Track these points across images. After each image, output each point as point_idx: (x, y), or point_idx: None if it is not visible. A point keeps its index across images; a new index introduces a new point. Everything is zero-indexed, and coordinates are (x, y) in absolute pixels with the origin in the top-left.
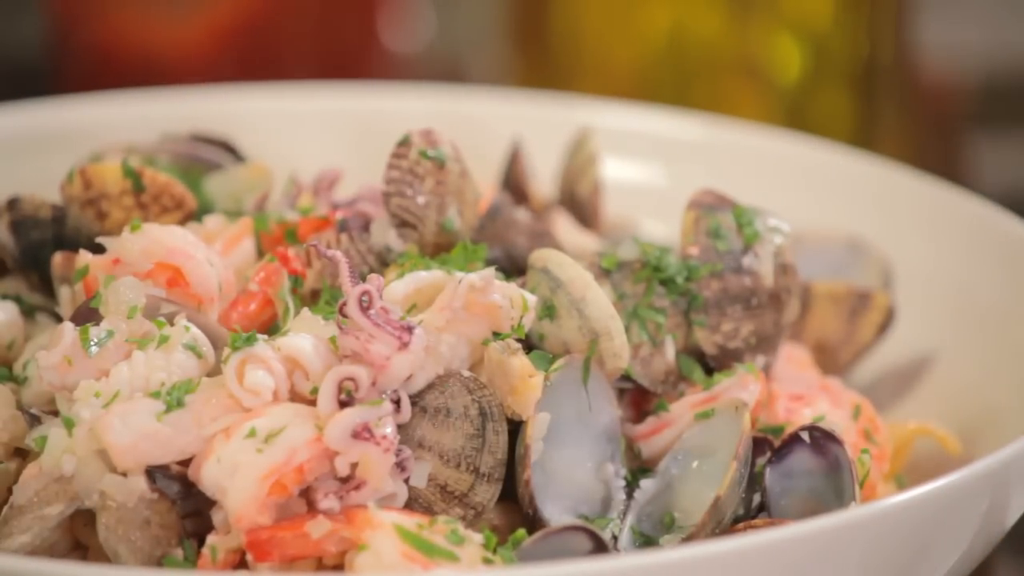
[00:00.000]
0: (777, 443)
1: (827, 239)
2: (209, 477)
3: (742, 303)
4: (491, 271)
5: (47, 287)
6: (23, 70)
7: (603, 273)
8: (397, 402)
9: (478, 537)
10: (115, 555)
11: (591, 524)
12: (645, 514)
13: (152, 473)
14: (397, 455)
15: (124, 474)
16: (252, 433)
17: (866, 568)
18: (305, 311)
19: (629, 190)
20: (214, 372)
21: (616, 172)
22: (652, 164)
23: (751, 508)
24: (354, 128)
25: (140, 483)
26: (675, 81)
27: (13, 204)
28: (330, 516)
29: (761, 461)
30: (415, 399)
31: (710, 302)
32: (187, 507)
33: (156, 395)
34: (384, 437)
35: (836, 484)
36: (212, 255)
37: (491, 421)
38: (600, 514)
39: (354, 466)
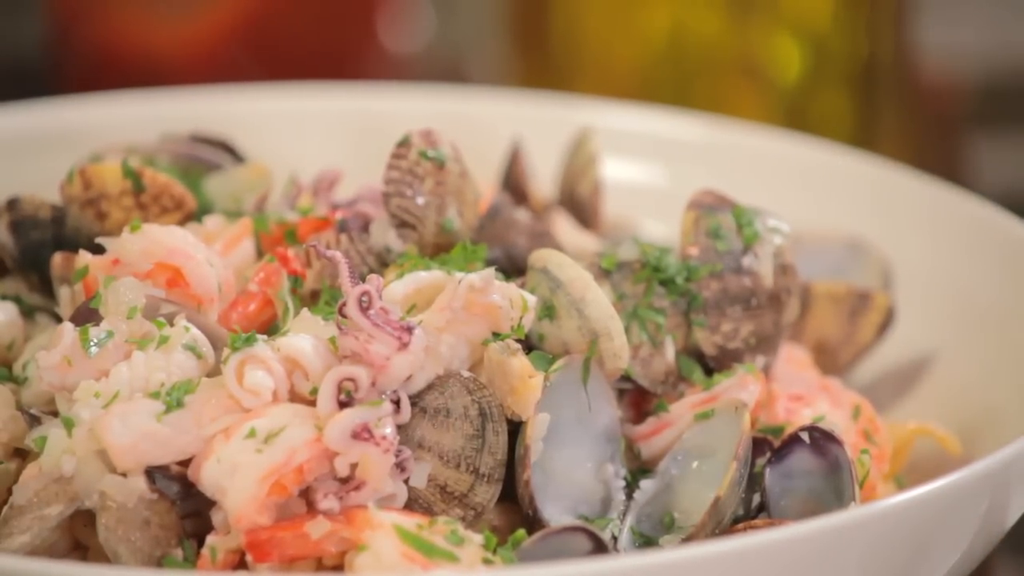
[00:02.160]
0: (777, 443)
1: (827, 239)
2: (209, 477)
3: (742, 303)
4: (491, 271)
5: (47, 287)
6: (23, 70)
7: (603, 273)
8: (397, 402)
9: (478, 537)
10: (115, 555)
11: (591, 524)
12: (645, 514)
13: (152, 473)
14: (397, 455)
15: (124, 474)
16: (252, 433)
17: (866, 568)
18: (305, 311)
19: (629, 190)
20: (214, 372)
21: (616, 172)
22: (652, 164)
23: (751, 508)
24: (354, 128)
25: (140, 483)
26: (675, 81)
27: (13, 204)
28: (330, 516)
29: (761, 461)
30: (415, 399)
31: (710, 302)
32: (187, 507)
33: (156, 395)
34: (384, 437)
35: (836, 484)
36: (212, 255)
37: (491, 421)
38: (600, 514)
39: (354, 466)
